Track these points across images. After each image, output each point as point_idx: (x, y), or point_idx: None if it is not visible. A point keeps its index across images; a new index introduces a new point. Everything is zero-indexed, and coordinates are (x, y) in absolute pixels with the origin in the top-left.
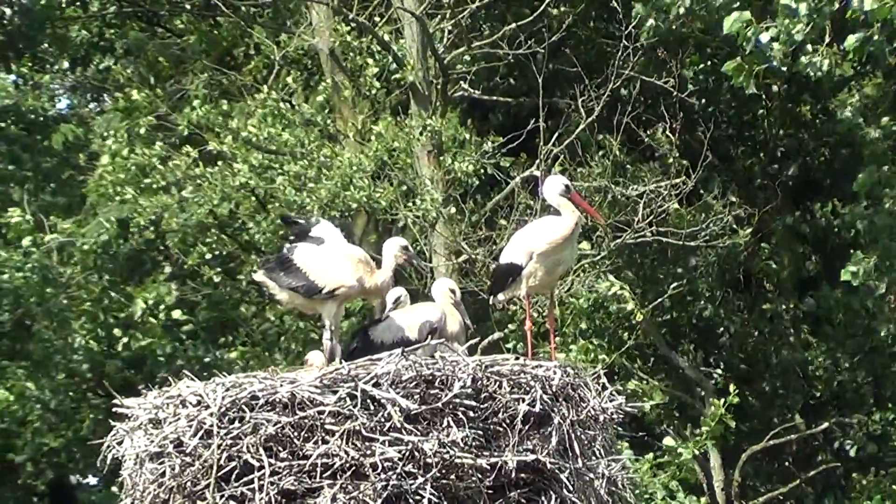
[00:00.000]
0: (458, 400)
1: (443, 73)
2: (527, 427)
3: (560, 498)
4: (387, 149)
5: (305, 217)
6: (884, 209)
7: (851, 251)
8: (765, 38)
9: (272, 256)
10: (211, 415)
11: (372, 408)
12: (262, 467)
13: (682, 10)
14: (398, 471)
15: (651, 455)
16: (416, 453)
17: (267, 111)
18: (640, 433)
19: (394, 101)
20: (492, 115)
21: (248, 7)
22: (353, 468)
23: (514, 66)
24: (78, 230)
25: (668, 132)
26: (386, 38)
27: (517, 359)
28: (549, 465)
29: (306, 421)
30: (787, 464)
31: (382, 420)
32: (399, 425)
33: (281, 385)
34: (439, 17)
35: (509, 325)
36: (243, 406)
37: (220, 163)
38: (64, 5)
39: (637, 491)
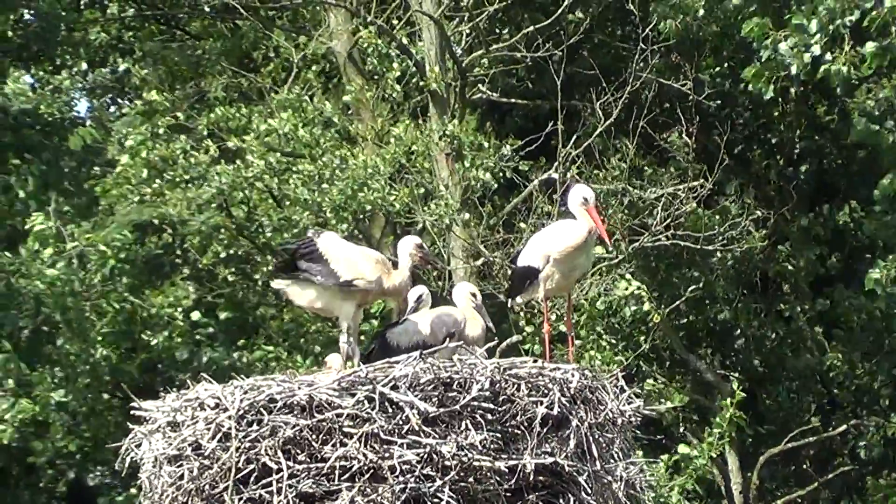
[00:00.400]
0: (476, 403)
1: (461, 75)
2: (545, 430)
3: (578, 500)
4: (404, 152)
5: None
6: None
7: (869, 255)
8: (783, 47)
9: (293, 241)
10: (229, 417)
11: (390, 410)
12: (280, 470)
13: (701, 13)
14: (416, 473)
15: (667, 457)
16: (435, 456)
17: (289, 104)
18: (658, 436)
19: (412, 104)
20: (510, 117)
21: (268, 10)
22: (372, 471)
23: (531, 69)
24: (97, 236)
25: (684, 135)
26: (404, 41)
27: (535, 361)
28: (567, 468)
29: (324, 424)
30: (804, 466)
31: (400, 423)
32: (417, 428)
33: (299, 388)
34: (457, 19)
35: (526, 329)
36: (261, 409)
37: (237, 161)
38: (83, 7)
39: (654, 495)
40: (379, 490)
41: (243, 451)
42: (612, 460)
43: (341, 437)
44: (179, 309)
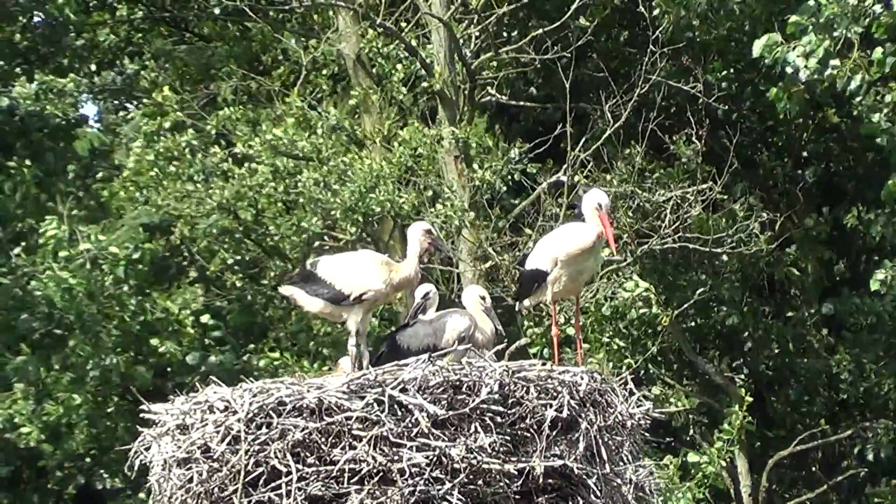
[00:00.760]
0: (485, 405)
1: (470, 78)
2: (554, 432)
3: (587, 503)
4: (412, 154)
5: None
6: None
7: (877, 258)
8: (791, 56)
9: (295, 273)
10: (238, 420)
11: (399, 413)
12: (289, 473)
13: (701, 6)
14: (425, 476)
15: (676, 460)
16: (444, 459)
17: (293, 118)
18: (668, 439)
19: (421, 106)
20: (516, 122)
21: (278, 13)
22: (381, 474)
23: (540, 72)
24: (109, 238)
25: (693, 138)
26: (413, 43)
27: (544, 364)
28: (576, 471)
29: (334, 426)
30: (812, 470)
31: (410, 426)
32: (426, 431)
33: (308, 391)
34: (466, 22)
35: (535, 330)
36: (270, 412)
37: (246, 164)
38: (91, 9)
39: (662, 498)
40: (388, 493)
41: (252, 454)
42: (621, 463)
43: (350, 439)
44: (187, 311)
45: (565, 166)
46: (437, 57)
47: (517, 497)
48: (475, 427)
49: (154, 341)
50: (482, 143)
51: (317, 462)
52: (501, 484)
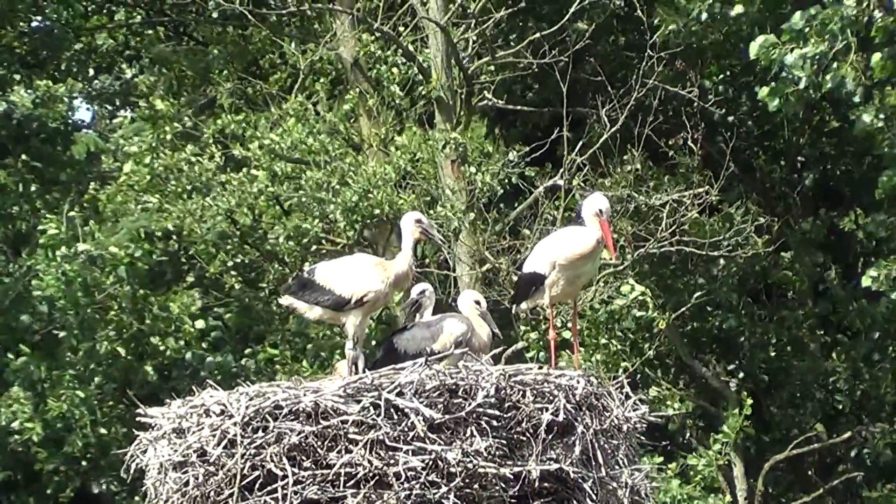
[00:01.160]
0: (481, 409)
1: (467, 82)
2: (550, 436)
3: None
4: (410, 159)
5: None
6: None
7: (873, 260)
8: (789, 59)
9: (292, 282)
10: (234, 424)
11: (395, 417)
12: (285, 476)
13: (703, 16)
14: (421, 480)
15: (674, 465)
16: (440, 462)
17: (295, 114)
18: (664, 442)
19: (419, 110)
20: (514, 125)
21: (276, 17)
22: (377, 477)
23: (537, 76)
24: (108, 239)
25: (690, 142)
26: (410, 47)
27: (540, 368)
28: (572, 475)
29: (330, 430)
30: (808, 473)
31: (406, 429)
32: (422, 434)
33: (304, 394)
34: (464, 26)
35: (531, 334)
36: (267, 415)
37: (244, 169)
38: (89, 13)
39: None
40: (384, 496)
41: (249, 458)
42: (617, 467)
43: (346, 443)
44: (187, 315)
45: (562, 170)
46: (435, 61)
47: (513, 501)
48: (471, 431)
49: (154, 339)
50: (482, 148)
51: (313, 466)
52: (497, 488)
